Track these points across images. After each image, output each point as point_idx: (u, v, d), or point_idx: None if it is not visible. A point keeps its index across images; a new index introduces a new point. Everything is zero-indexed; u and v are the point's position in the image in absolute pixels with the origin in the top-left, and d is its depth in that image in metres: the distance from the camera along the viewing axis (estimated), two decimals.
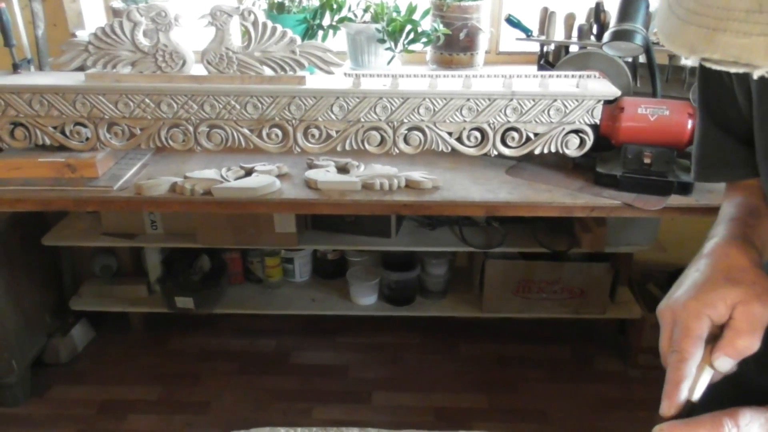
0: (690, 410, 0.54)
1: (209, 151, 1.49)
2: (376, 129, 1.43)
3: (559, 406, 1.98)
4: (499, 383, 2.07)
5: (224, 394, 2.02)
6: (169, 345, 2.25)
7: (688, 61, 0.44)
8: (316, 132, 1.44)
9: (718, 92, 0.69)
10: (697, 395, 0.55)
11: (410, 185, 1.44)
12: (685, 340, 0.55)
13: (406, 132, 1.43)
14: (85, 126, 1.43)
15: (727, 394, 0.55)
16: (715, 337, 0.55)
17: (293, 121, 1.43)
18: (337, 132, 1.44)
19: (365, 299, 2.12)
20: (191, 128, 1.44)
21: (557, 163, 1.53)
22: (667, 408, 0.54)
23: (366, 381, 2.08)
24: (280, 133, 1.44)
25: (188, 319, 2.29)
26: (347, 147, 1.45)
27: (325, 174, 1.48)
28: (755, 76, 0.38)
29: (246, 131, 1.44)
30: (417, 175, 1.45)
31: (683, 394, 0.54)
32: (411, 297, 2.12)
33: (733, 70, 0.38)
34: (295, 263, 2.20)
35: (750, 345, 0.54)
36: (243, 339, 2.27)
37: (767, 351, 0.69)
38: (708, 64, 0.39)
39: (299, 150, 1.46)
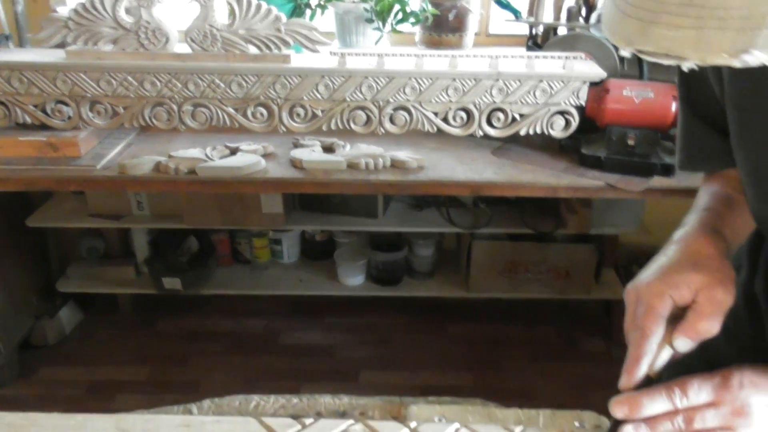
0: (649, 385, 0.56)
1: (194, 131, 1.48)
2: (362, 108, 1.43)
3: (543, 384, 2.00)
4: (485, 362, 2.09)
5: (213, 374, 2.03)
6: (157, 326, 2.25)
7: (626, 53, 0.43)
8: (301, 111, 1.43)
9: (696, 83, 0.70)
10: (654, 373, 0.57)
11: (396, 165, 1.44)
12: (647, 318, 0.56)
13: (392, 112, 1.43)
14: (66, 104, 1.42)
15: (694, 364, 0.57)
16: (676, 318, 0.57)
17: (278, 100, 1.42)
18: (322, 111, 1.43)
19: (353, 280, 2.13)
20: (175, 107, 1.43)
21: (543, 144, 1.53)
22: (626, 382, 0.56)
23: (354, 360, 2.09)
24: (265, 112, 1.44)
25: (177, 301, 2.29)
26: (333, 126, 1.45)
27: (311, 153, 1.47)
28: (685, 69, 0.38)
29: (231, 110, 1.44)
30: (402, 154, 1.45)
31: (642, 370, 0.56)
32: (398, 278, 2.13)
33: (665, 62, 0.39)
34: (283, 244, 2.20)
35: (710, 328, 0.56)
36: (232, 320, 2.27)
37: (736, 323, 0.71)
38: (643, 56, 0.40)
39: (284, 129, 1.45)
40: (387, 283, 2.12)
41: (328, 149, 1.53)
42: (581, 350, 2.16)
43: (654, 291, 0.57)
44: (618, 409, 0.54)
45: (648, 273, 0.60)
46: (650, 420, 0.54)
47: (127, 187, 1.47)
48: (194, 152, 1.49)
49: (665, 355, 0.57)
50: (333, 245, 2.22)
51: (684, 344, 0.56)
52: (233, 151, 1.52)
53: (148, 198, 1.96)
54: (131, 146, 1.56)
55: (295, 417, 0.58)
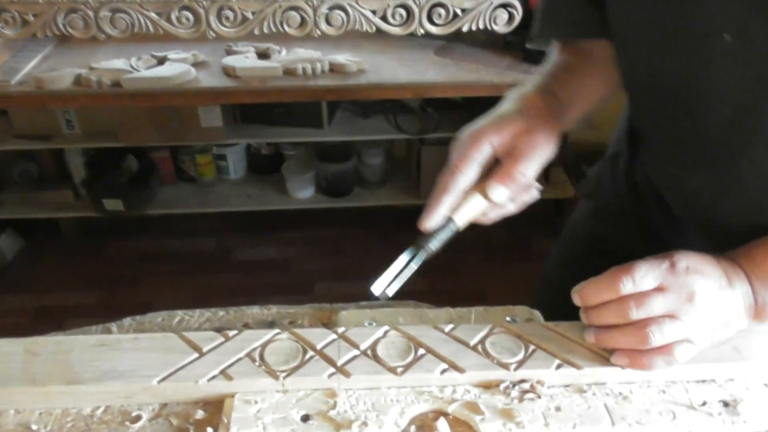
0: (454, 234, 0.54)
1: (116, 40, 1.37)
2: (295, 9, 1.33)
3: (496, 285, 2.05)
4: (440, 266, 2.10)
5: (165, 294, 2.01)
6: (105, 250, 2.19)
7: None
8: (230, 14, 1.33)
9: None
10: (461, 221, 0.54)
11: (335, 69, 1.37)
12: (459, 158, 0.53)
13: (327, 11, 1.34)
14: None
15: (589, 254, 0.55)
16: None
17: (204, 2, 1.31)
18: (253, 13, 1.34)
19: (302, 192, 2.09)
20: (91, 13, 1.31)
21: (487, 41, 1.48)
22: (424, 219, 0.53)
23: (308, 273, 2.09)
24: (191, 16, 1.33)
25: (123, 223, 2.23)
26: (266, 30, 1.36)
27: (244, 60, 1.39)
28: None
29: (153, 15, 1.33)
30: (341, 58, 1.39)
31: (443, 208, 0.53)
32: (348, 188, 2.10)
33: None
34: (228, 160, 2.13)
35: (525, 172, 0.53)
36: (182, 240, 2.23)
37: (620, 210, 0.70)
38: None
39: (214, 35, 1.36)
40: (337, 194, 2.10)
41: (263, 55, 1.44)
42: (532, 249, 2.20)
43: (473, 136, 0.54)
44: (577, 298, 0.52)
45: (474, 124, 0.57)
46: (594, 308, 0.51)
47: (48, 103, 1.37)
48: (118, 63, 1.40)
49: (474, 204, 0.54)
50: (280, 158, 2.16)
51: (497, 192, 0.53)
52: (161, 61, 1.42)
53: (76, 115, 1.85)
54: (49, 59, 1.45)
55: (219, 330, 0.56)
